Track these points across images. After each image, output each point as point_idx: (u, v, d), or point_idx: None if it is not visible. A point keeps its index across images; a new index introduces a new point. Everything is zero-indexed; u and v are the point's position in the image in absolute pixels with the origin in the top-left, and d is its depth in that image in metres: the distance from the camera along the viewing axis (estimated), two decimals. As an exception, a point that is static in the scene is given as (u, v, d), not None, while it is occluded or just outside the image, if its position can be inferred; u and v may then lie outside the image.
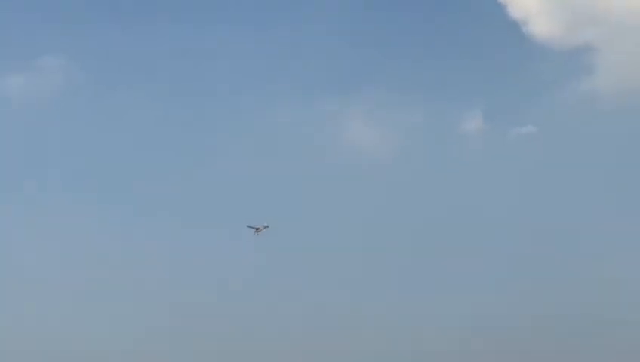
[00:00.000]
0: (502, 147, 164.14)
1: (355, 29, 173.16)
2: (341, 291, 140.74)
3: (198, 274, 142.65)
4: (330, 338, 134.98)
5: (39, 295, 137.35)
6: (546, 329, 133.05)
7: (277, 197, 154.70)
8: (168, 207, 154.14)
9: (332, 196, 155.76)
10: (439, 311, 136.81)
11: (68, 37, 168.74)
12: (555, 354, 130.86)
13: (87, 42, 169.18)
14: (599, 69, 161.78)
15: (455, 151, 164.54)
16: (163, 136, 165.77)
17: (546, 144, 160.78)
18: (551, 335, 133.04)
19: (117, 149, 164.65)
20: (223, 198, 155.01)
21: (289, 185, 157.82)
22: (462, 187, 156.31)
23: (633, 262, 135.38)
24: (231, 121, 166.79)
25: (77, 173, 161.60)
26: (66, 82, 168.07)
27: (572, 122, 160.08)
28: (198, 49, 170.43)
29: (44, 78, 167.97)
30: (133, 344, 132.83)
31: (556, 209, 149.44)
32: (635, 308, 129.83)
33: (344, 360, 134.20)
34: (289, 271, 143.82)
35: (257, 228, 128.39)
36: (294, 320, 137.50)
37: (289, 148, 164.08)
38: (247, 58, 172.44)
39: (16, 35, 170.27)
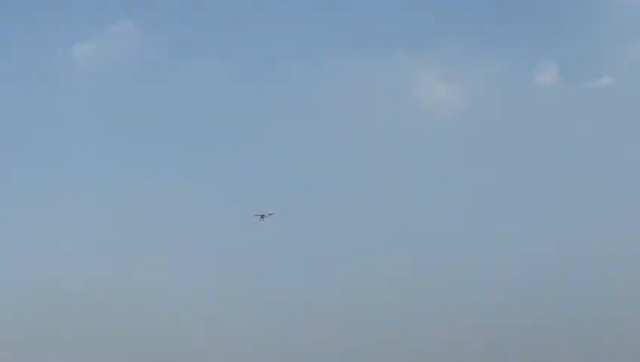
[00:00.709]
0: (578, 100, 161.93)
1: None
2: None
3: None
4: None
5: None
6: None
7: (350, 155, 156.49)
8: (240, 176, 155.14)
9: (405, 153, 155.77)
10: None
11: (139, 3, 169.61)
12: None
13: (158, 8, 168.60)
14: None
15: (530, 104, 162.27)
16: (234, 103, 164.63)
17: (623, 96, 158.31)
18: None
19: (186, 117, 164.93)
20: (298, 161, 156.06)
21: (363, 142, 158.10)
22: (536, 142, 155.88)
23: None
24: (303, 81, 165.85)
25: (145, 139, 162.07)
26: (137, 49, 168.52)
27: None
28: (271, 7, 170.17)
29: (115, 45, 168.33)
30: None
31: (635, 164, 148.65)
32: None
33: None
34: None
35: (262, 216, 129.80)
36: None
37: (363, 105, 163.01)
38: (319, 17, 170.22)
39: (87, 1, 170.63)
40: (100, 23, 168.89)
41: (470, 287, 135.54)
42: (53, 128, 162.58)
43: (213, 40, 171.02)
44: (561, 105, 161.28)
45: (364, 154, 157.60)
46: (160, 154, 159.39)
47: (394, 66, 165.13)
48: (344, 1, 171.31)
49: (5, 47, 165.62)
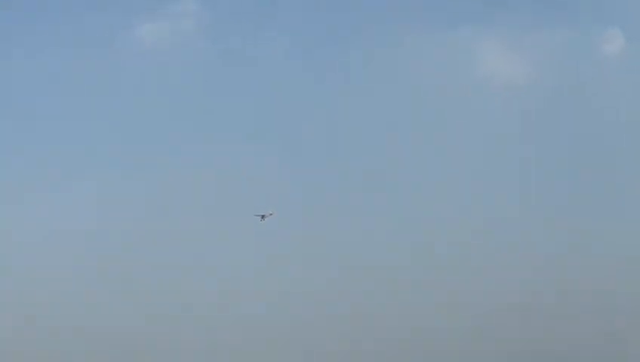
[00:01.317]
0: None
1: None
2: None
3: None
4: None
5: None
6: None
7: (411, 128, 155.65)
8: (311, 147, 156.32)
9: (467, 123, 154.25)
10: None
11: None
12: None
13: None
14: None
15: (595, 74, 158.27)
16: (295, 81, 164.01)
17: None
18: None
19: (247, 95, 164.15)
20: (364, 134, 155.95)
21: (423, 115, 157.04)
22: (602, 112, 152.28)
23: None
24: (363, 55, 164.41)
25: (209, 116, 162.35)
26: (197, 28, 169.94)
27: None
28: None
29: (176, 25, 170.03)
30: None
31: None
32: None
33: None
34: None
35: (263, 216, 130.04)
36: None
37: (423, 78, 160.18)
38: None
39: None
40: (163, 2, 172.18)
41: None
42: (117, 109, 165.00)
43: (276, 17, 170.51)
44: (627, 73, 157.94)
45: (427, 127, 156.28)
46: (228, 130, 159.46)
47: (457, 39, 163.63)
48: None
49: (69, 28, 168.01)
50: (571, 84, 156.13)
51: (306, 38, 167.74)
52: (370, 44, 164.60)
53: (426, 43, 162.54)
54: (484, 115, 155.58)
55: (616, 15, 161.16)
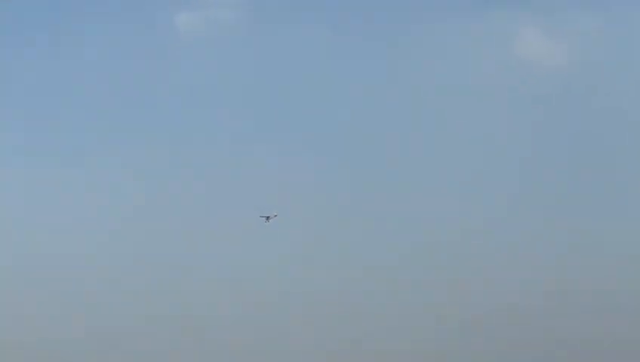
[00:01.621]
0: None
1: None
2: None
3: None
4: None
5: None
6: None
7: (454, 110, 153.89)
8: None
9: (505, 108, 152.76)
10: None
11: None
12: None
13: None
14: None
15: (635, 58, 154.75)
16: (334, 70, 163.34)
17: None
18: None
19: (285, 85, 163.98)
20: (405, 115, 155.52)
21: (461, 100, 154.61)
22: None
23: None
24: (400, 41, 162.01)
25: (247, 106, 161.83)
26: (236, 17, 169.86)
27: None
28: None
29: (215, 14, 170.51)
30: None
31: None
32: None
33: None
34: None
35: (267, 217, 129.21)
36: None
37: (461, 62, 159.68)
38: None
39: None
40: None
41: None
42: (156, 98, 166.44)
43: (315, 4, 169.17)
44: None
45: (467, 109, 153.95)
46: (255, 116, 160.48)
47: (496, 21, 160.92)
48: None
49: (108, 17, 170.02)
50: (611, 69, 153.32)
51: (342, 27, 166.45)
52: (408, 29, 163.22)
53: (466, 25, 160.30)
54: (524, 99, 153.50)
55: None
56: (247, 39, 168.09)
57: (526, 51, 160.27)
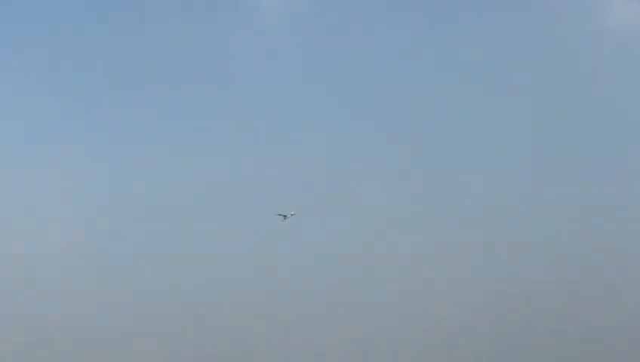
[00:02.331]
0: None
1: None
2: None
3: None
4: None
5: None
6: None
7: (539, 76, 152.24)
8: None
9: (591, 80, 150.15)
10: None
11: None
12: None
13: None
14: None
15: None
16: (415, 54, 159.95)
17: None
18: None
19: (369, 70, 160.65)
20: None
21: (541, 71, 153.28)
22: None
23: None
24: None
25: (324, 85, 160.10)
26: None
27: None
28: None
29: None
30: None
31: None
32: None
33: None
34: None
35: (285, 216, 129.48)
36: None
37: (553, 29, 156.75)
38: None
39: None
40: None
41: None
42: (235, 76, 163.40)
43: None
44: None
45: (553, 75, 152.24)
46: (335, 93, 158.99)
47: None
48: None
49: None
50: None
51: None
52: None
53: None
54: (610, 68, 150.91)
55: None
56: (330, 20, 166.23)
57: (616, 18, 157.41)
